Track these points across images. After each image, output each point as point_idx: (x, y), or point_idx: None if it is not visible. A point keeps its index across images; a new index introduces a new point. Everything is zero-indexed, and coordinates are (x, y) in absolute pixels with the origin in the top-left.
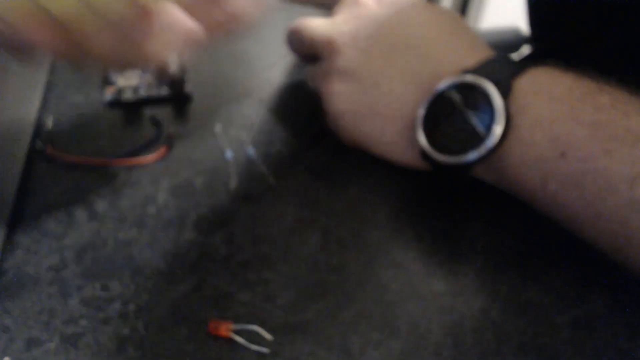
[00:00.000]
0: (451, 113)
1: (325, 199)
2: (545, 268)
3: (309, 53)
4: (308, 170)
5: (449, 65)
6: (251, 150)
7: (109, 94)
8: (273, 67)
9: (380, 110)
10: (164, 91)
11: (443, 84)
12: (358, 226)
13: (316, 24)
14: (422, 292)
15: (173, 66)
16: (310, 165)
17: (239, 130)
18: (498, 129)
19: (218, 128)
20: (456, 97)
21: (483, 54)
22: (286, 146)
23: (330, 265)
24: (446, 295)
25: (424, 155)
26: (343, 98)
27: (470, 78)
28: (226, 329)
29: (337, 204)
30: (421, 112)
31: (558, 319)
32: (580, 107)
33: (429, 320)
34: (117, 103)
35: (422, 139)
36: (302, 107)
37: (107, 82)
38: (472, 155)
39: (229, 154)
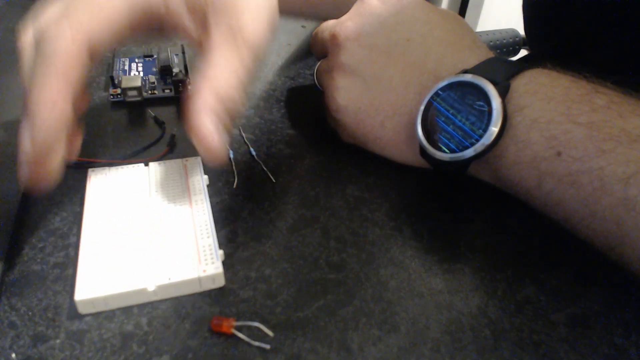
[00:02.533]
0: (450, 110)
1: (325, 198)
2: (542, 267)
3: (321, 51)
4: (308, 169)
5: (449, 65)
6: (253, 150)
7: (113, 94)
8: (274, 68)
9: (381, 106)
10: (167, 92)
11: (443, 83)
12: (357, 225)
13: (326, 23)
14: (420, 290)
15: (176, 67)
16: (310, 165)
17: (240, 131)
18: (494, 128)
19: None
20: (455, 95)
21: (483, 54)
22: (287, 146)
23: (330, 263)
24: (444, 292)
25: (422, 152)
26: (345, 93)
27: (469, 77)
28: (228, 325)
29: (337, 203)
30: (421, 109)
31: (554, 317)
32: (576, 108)
33: (427, 317)
34: (120, 104)
35: (421, 135)
36: (302, 107)
37: (111, 83)
38: (468, 153)
39: (230, 153)
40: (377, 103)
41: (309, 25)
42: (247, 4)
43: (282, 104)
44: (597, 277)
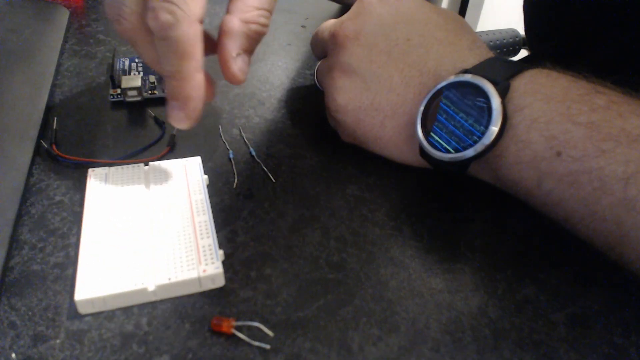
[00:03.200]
0: (450, 111)
1: (325, 198)
2: (542, 266)
3: (321, 51)
4: (308, 169)
5: (449, 65)
6: (252, 150)
7: (113, 94)
8: (274, 68)
9: (381, 106)
10: None
11: (443, 83)
12: (357, 225)
13: (326, 23)
14: (420, 290)
15: None
16: (311, 165)
17: (240, 131)
18: (495, 128)
19: (220, 128)
20: (455, 95)
21: (482, 54)
22: (287, 146)
23: (330, 263)
24: (444, 292)
25: (422, 152)
26: (344, 93)
27: (469, 77)
28: (228, 325)
29: (337, 203)
30: (421, 109)
31: (554, 316)
32: (576, 108)
33: (427, 317)
34: (120, 103)
35: (420, 135)
36: (302, 107)
37: (111, 83)
38: (469, 153)
39: (230, 153)
40: (377, 103)
41: (309, 25)
42: None
43: (282, 104)
44: (597, 277)
